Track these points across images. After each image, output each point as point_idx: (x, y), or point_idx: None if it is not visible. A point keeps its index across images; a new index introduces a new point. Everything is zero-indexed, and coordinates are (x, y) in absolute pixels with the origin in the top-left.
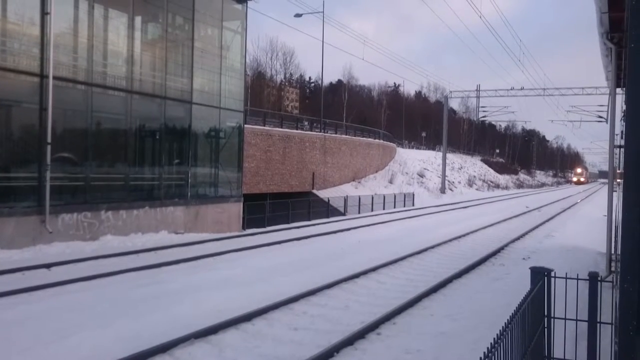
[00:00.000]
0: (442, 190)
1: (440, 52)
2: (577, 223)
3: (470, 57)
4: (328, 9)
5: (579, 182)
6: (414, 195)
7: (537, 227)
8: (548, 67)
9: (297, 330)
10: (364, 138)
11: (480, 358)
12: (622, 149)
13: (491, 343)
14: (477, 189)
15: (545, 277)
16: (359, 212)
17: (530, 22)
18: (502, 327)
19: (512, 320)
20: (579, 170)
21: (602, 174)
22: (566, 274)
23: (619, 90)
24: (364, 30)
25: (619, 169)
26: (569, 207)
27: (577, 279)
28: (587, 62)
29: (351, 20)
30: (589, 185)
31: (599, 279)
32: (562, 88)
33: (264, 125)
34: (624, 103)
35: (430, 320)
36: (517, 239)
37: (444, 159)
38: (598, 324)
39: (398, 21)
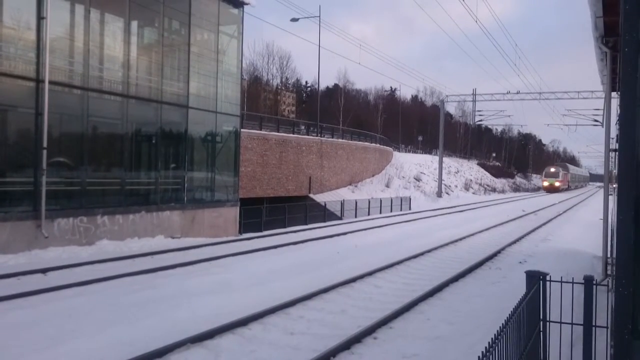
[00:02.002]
0: (439, 194)
1: (440, 56)
2: (573, 227)
3: (468, 62)
4: (327, 12)
5: (552, 189)
6: (410, 199)
7: (533, 230)
8: (545, 71)
9: (293, 334)
10: (361, 142)
11: None
12: (617, 153)
13: (486, 347)
14: (473, 193)
15: (541, 281)
16: (356, 216)
17: (529, 26)
18: (497, 331)
19: (507, 324)
20: (552, 169)
21: (593, 177)
22: (561, 277)
23: (614, 94)
24: (364, 33)
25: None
26: (565, 211)
27: (573, 282)
28: (584, 66)
29: (351, 23)
30: (573, 192)
31: (594, 282)
32: (558, 92)
33: (261, 130)
34: (618, 107)
35: (427, 325)
36: (514, 242)
37: (441, 162)
38: (594, 328)
39: (399, 24)
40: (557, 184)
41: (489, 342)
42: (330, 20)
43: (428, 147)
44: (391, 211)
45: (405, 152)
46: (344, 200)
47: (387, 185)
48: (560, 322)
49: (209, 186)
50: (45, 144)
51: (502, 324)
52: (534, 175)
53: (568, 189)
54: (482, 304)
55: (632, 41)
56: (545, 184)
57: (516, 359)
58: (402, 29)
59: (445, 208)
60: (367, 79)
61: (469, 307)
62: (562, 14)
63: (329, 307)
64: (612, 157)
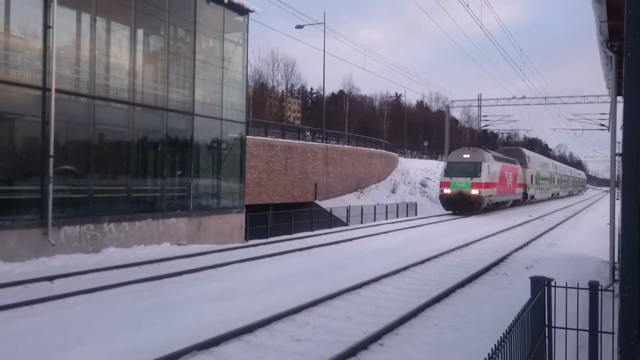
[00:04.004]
0: None
1: (447, 60)
2: (580, 231)
3: (475, 67)
4: (334, 18)
5: (460, 201)
6: (416, 204)
7: (540, 235)
8: (552, 76)
9: (299, 341)
10: (366, 148)
11: None
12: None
13: (489, 353)
14: None
15: (546, 287)
16: (362, 222)
17: (538, 31)
18: (501, 337)
19: (511, 330)
20: (465, 155)
21: (593, 180)
22: (566, 283)
23: (619, 98)
24: (373, 39)
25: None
26: (571, 216)
27: (578, 288)
28: (590, 70)
29: (359, 29)
30: (526, 211)
31: (600, 288)
32: (564, 96)
33: (266, 136)
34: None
35: (433, 331)
36: (520, 248)
37: None
38: (599, 333)
39: (407, 30)
40: (475, 192)
41: (492, 349)
42: (338, 26)
43: (434, 152)
44: (397, 217)
45: (411, 157)
46: (349, 206)
47: (393, 191)
48: (566, 328)
49: (214, 193)
50: (52, 152)
51: (506, 330)
52: None
53: (525, 200)
54: (489, 309)
55: (635, 45)
56: (446, 191)
57: None
58: (410, 35)
59: (452, 213)
60: (373, 85)
61: (476, 313)
62: (571, 19)
63: (335, 313)
64: (618, 162)
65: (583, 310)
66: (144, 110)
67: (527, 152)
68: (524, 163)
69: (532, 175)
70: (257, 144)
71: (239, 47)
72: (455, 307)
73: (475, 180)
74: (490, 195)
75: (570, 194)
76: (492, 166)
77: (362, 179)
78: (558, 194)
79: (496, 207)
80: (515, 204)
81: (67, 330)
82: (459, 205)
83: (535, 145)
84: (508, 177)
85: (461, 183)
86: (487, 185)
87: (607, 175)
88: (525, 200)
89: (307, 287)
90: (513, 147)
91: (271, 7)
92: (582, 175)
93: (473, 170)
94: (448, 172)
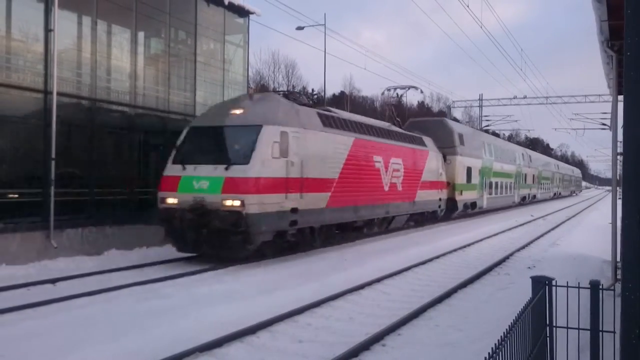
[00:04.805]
0: None
1: (449, 61)
2: (582, 231)
3: (476, 67)
4: (337, 19)
5: (171, 217)
6: None
7: (542, 235)
8: (554, 75)
9: (301, 342)
10: None
11: None
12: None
13: (489, 352)
14: None
15: (546, 286)
16: None
17: (542, 30)
18: (501, 336)
19: (511, 330)
20: (234, 112)
21: (595, 180)
22: (567, 282)
23: (620, 97)
24: (375, 40)
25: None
26: (574, 215)
27: (579, 287)
28: (592, 70)
29: (362, 29)
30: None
31: (601, 287)
32: (565, 96)
33: None
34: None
35: (436, 331)
36: (522, 247)
37: None
38: (600, 333)
39: (410, 30)
40: (231, 202)
41: (492, 348)
42: (340, 27)
43: None
44: None
45: None
46: None
47: None
48: (567, 327)
49: None
50: (53, 155)
51: (506, 329)
52: None
53: (455, 212)
54: (491, 309)
55: (635, 45)
56: (170, 199)
57: None
58: (412, 36)
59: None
60: (374, 86)
61: (478, 313)
62: (572, 18)
63: (337, 314)
64: (619, 161)
65: (584, 309)
66: (146, 112)
67: (458, 127)
68: (449, 146)
69: (470, 169)
70: None
71: (240, 49)
72: (458, 307)
73: (236, 171)
74: (296, 211)
75: (558, 196)
76: (302, 135)
77: None
78: (534, 196)
79: (350, 231)
80: (426, 220)
81: (69, 333)
82: (193, 236)
83: (537, 144)
84: (386, 169)
85: (202, 179)
86: (275, 184)
87: (609, 175)
88: (455, 211)
89: (309, 288)
90: (429, 119)
91: (272, 8)
92: (575, 172)
93: (241, 146)
94: (181, 153)
